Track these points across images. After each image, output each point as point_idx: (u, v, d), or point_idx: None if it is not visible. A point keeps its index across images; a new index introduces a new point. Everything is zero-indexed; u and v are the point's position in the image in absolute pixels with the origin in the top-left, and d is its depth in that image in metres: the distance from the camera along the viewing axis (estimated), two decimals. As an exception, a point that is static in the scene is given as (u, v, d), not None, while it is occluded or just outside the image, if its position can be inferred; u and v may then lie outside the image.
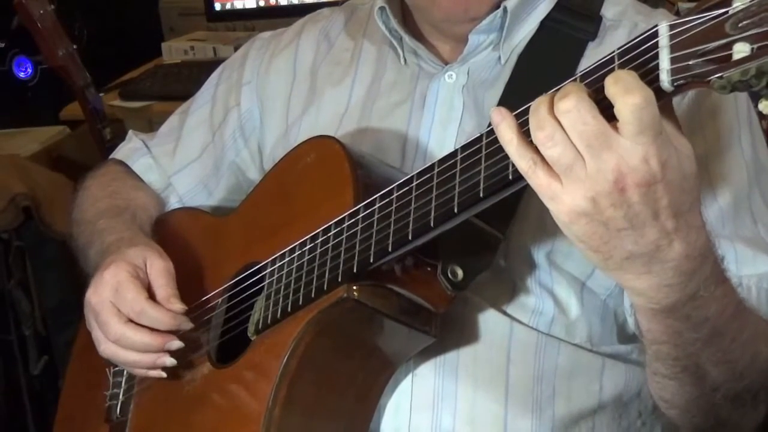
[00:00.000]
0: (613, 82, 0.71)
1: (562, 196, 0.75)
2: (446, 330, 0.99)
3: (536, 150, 0.75)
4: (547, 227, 1.01)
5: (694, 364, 0.88)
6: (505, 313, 1.03)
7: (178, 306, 1.06)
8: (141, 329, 1.05)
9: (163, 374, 1.08)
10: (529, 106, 0.77)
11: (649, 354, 0.91)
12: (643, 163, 0.71)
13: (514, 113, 0.78)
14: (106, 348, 1.08)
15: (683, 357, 0.88)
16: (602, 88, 0.71)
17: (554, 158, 0.74)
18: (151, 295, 1.07)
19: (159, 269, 1.08)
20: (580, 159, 0.73)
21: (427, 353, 1.01)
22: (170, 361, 1.07)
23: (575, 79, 0.76)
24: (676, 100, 0.76)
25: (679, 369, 0.90)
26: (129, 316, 1.05)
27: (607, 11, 1.10)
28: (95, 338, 1.09)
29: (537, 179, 0.76)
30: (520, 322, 1.03)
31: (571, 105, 0.72)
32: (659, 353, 0.89)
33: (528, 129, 0.75)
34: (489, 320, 1.02)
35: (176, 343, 1.06)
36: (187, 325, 1.07)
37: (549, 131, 0.73)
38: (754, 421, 1.00)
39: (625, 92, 0.70)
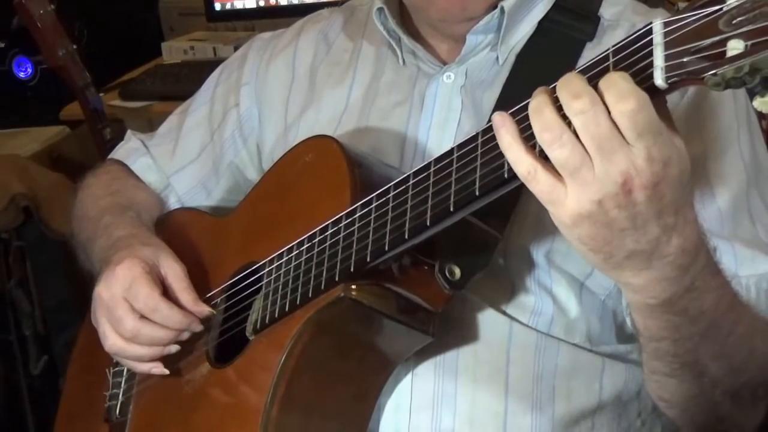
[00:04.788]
0: (605, 88, 0.71)
1: (565, 200, 0.74)
2: (446, 330, 0.99)
3: (536, 154, 0.75)
4: (545, 227, 1.01)
5: (693, 359, 0.88)
6: (504, 313, 1.03)
7: (207, 309, 1.07)
8: (155, 325, 1.06)
9: (166, 371, 1.09)
10: (526, 105, 0.77)
11: (648, 353, 0.91)
12: (648, 164, 0.72)
13: (510, 111, 0.78)
14: (114, 343, 1.08)
15: (682, 353, 0.88)
16: (596, 86, 0.71)
17: (561, 160, 0.73)
18: (166, 297, 1.07)
19: (178, 273, 1.09)
20: (588, 161, 0.72)
21: (427, 353, 1.01)
22: (174, 347, 1.07)
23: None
24: (674, 100, 0.76)
25: (678, 366, 0.90)
26: (142, 312, 1.05)
27: (606, 11, 1.10)
28: (102, 333, 1.09)
29: (538, 184, 0.75)
30: (520, 322, 1.03)
31: (586, 105, 0.71)
32: (658, 351, 0.89)
33: (528, 132, 0.74)
34: (488, 320, 1.02)
35: (196, 325, 1.07)
36: (198, 326, 1.07)
37: (557, 132, 0.72)
38: (755, 420, 1.01)
39: (619, 99, 0.70)
